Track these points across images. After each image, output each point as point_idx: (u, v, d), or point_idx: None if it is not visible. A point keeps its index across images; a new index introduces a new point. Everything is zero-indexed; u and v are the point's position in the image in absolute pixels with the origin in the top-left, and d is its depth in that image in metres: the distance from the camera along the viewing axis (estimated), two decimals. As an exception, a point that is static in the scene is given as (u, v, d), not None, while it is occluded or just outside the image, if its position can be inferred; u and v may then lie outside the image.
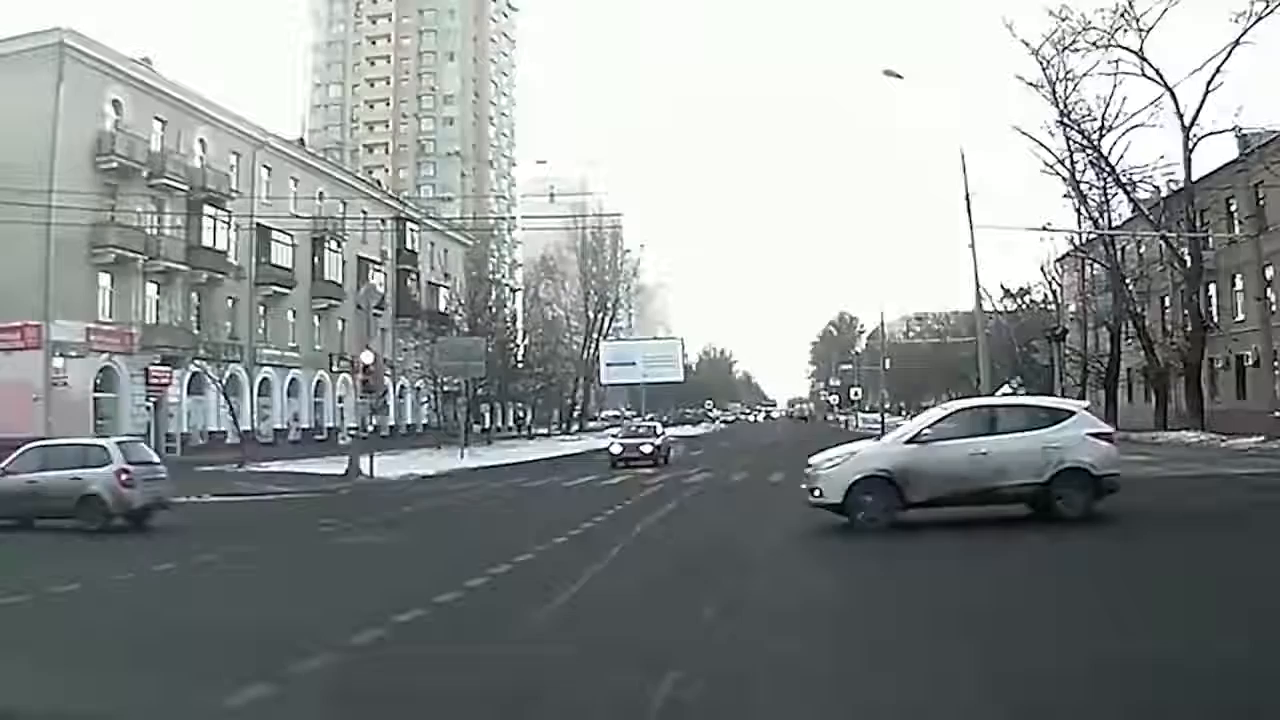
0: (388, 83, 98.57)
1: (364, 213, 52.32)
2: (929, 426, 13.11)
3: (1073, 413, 13.11)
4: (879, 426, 63.06)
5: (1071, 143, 38.48)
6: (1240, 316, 37.83)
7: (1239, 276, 37.93)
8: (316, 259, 48.80)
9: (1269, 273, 35.86)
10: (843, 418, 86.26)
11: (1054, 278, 57.14)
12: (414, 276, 58.52)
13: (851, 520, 12.38)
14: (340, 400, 50.37)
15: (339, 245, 50.41)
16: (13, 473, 16.19)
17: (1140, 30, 34.37)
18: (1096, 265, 47.13)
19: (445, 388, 50.81)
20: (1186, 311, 38.57)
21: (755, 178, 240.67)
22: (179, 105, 39.69)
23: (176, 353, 37.47)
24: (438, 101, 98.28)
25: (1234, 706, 5.09)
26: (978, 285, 31.12)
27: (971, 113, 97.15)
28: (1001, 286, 58.71)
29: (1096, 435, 12.66)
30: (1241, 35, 32.04)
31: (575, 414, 74.92)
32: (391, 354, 51.50)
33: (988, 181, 77.56)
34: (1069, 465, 12.26)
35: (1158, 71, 35.19)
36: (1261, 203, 35.65)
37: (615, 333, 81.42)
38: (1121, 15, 34.19)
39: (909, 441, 12.84)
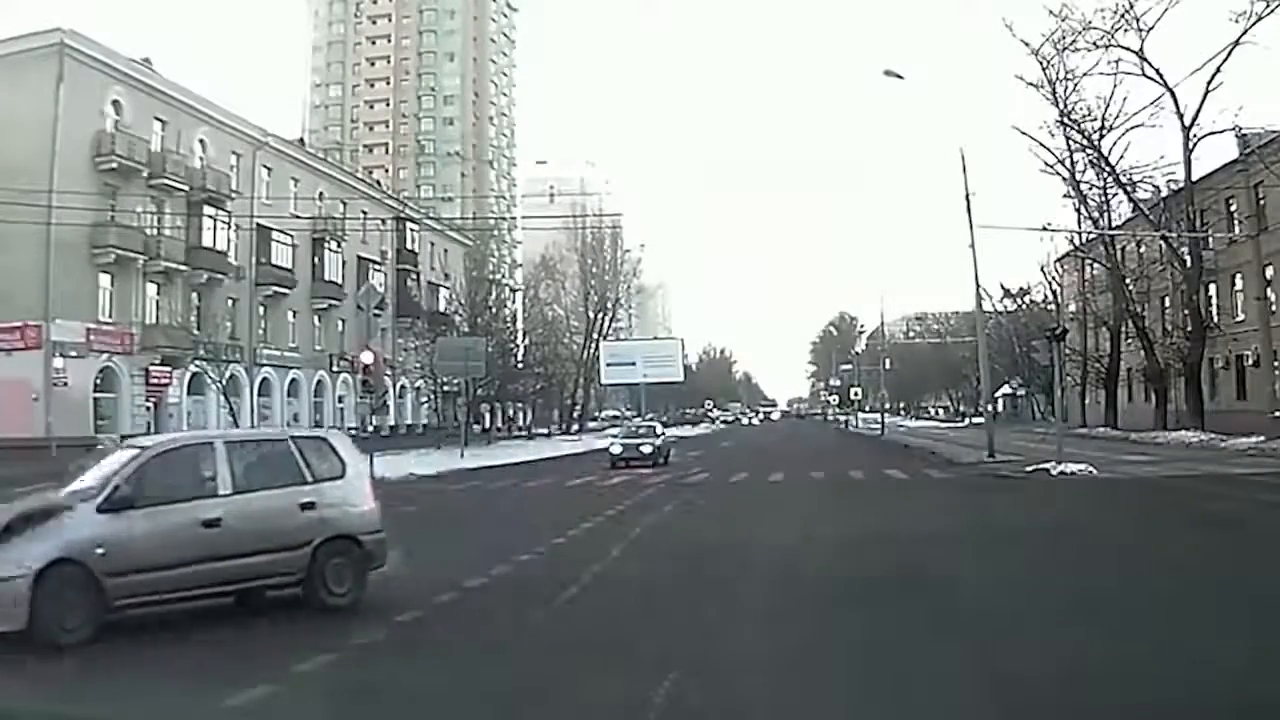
0: (388, 83, 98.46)
1: (364, 213, 52.27)
2: None
3: None
4: (879, 427, 63.25)
5: (1071, 143, 38.43)
6: (1240, 316, 37.80)
7: (1239, 276, 37.91)
8: (316, 259, 48.76)
9: (1269, 273, 35.83)
10: (842, 417, 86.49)
11: (1054, 278, 57.24)
12: (414, 276, 58.48)
13: None
14: (340, 400, 50.36)
15: (339, 245, 50.37)
16: None
17: (1140, 30, 34.31)
18: (1096, 265, 47.11)
19: (445, 388, 50.73)
20: (1186, 311, 38.53)
21: (756, 178, 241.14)
22: (179, 105, 39.64)
23: (176, 353, 37.46)
24: (438, 101, 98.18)
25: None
26: (978, 285, 31.03)
27: (971, 113, 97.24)
28: (1001, 286, 59.02)
29: None
30: (1241, 35, 31.96)
31: (575, 414, 74.78)
32: (391, 354, 51.45)
33: (988, 181, 77.64)
34: None
35: (1158, 71, 35.14)
36: (1261, 203, 35.62)
37: (615, 333, 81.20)
38: (1122, 15, 34.09)
39: None
